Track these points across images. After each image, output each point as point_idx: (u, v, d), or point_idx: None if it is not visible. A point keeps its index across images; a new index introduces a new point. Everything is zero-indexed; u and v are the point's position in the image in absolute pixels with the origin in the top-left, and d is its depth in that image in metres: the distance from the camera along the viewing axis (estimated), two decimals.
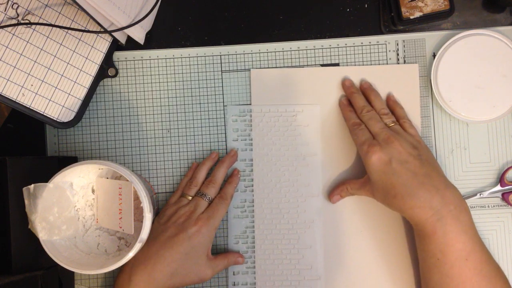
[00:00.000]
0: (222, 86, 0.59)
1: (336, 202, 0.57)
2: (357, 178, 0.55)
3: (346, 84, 0.57)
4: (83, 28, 0.55)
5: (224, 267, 0.55)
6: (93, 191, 0.54)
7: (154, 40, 0.60)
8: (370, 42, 0.59)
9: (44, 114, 0.54)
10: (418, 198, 0.48)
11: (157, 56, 0.59)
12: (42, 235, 0.48)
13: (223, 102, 0.59)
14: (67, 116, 0.56)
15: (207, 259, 0.53)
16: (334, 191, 0.56)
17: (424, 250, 0.49)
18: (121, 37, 0.57)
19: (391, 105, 0.57)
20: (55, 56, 0.55)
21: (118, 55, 0.59)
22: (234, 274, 0.58)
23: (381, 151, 0.50)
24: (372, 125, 0.53)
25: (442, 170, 0.52)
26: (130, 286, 0.49)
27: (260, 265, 0.57)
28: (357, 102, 0.56)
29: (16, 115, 0.59)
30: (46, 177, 0.49)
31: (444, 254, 0.47)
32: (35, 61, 0.54)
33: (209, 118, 0.59)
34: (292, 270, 0.57)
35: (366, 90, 0.57)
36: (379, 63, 0.59)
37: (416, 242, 0.51)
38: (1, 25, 0.52)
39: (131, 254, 0.48)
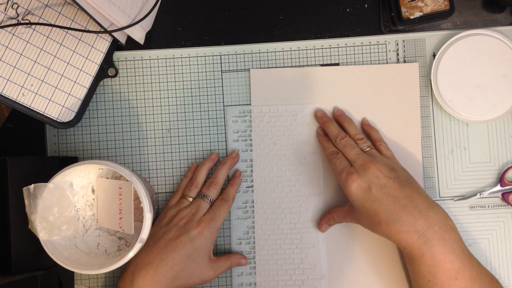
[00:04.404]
0: (222, 86, 0.59)
1: (325, 231, 0.57)
2: (342, 206, 0.55)
3: (318, 115, 0.58)
4: (83, 28, 0.55)
5: (226, 269, 0.55)
6: (93, 191, 0.54)
7: (154, 40, 0.60)
8: (370, 42, 0.59)
9: (44, 114, 0.54)
10: (402, 223, 0.48)
11: (157, 56, 0.59)
12: (42, 235, 0.48)
13: (223, 102, 0.59)
14: (67, 116, 0.56)
15: (209, 260, 0.53)
16: (322, 220, 0.57)
17: (414, 271, 0.49)
18: (121, 37, 0.57)
19: (366, 129, 0.57)
20: (55, 56, 0.55)
21: (118, 55, 0.59)
22: (238, 276, 0.58)
23: (359, 179, 0.50)
24: (348, 152, 0.53)
25: (423, 189, 0.51)
26: None
27: (263, 266, 0.57)
28: (330, 130, 0.56)
29: (16, 115, 0.59)
30: (46, 177, 0.49)
31: (433, 275, 0.48)
32: (35, 61, 0.54)
33: (209, 118, 0.59)
34: (295, 270, 0.57)
35: (339, 118, 0.57)
36: (379, 63, 0.59)
37: (406, 264, 0.51)
38: (1, 25, 0.52)
39: (131, 254, 0.48)
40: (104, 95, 0.59)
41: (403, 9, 0.56)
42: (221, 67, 0.59)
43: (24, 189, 0.48)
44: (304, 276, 0.57)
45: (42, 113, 0.54)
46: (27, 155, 0.59)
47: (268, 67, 0.59)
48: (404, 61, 0.59)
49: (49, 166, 0.53)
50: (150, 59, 0.59)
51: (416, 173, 0.57)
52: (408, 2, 0.56)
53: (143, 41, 0.58)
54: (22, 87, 0.53)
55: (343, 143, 0.54)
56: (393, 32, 0.59)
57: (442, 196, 0.58)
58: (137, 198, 0.52)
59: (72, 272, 0.57)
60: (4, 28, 0.52)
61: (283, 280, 0.57)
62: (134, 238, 0.53)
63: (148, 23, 0.59)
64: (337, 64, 0.59)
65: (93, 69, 0.56)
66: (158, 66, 0.59)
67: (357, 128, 0.56)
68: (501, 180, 0.57)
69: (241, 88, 0.59)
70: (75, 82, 0.56)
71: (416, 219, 0.47)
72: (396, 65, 0.58)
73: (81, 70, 0.56)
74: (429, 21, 0.57)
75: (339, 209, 0.55)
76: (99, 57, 0.56)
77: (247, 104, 0.59)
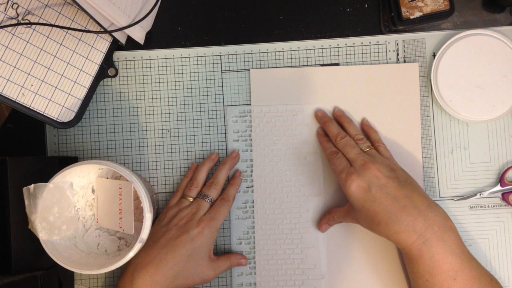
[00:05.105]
0: (222, 86, 0.59)
1: (325, 231, 0.57)
2: (341, 206, 0.55)
3: (318, 115, 0.58)
4: (83, 28, 0.55)
5: (226, 268, 0.55)
6: (93, 191, 0.54)
7: (154, 40, 0.60)
8: (370, 42, 0.59)
9: (44, 114, 0.54)
10: (401, 223, 0.48)
11: (157, 56, 0.59)
12: (42, 235, 0.48)
13: (223, 102, 0.59)
14: (67, 116, 0.56)
15: (209, 260, 0.53)
16: (322, 220, 0.57)
17: (413, 271, 0.49)
18: (121, 37, 0.57)
19: (366, 130, 0.57)
20: (55, 56, 0.55)
21: (118, 55, 0.59)
22: (238, 276, 0.58)
23: (359, 179, 0.50)
24: (348, 152, 0.53)
25: (422, 189, 0.51)
26: None
27: (263, 266, 0.57)
28: (330, 130, 0.56)
29: (16, 115, 0.59)
30: (46, 177, 0.49)
31: (432, 275, 0.48)
32: (35, 61, 0.54)
33: (209, 118, 0.59)
34: (295, 270, 0.57)
35: (339, 118, 0.57)
36: (379, 63, 0.59)
37: (405, 264, 0.51)
38: (1, 25, 0.52)
39: (131, 254, 0.48)
40: (104, 95, 0.59)
41: (403, 9, 0.56)
42: (221, 67, 0.59)
43: (24, 189, 0.48)
44: (304, 276, 0.57)
45: (42, 113, 0.54)
46: (27, 155, 0.59)
47: (268, 67, 0.59)
48: (404, 61, 0.59)
49: (49, 166, 0.53)
50: (150, 59, 0.59)
51: (416, 173, 0.57)
52: (408, 2, 0.56)
53: (143, 41, 0.58)
54: (22, 87, 0.53)
55: (343, 143, 0.54)
56: (393, 32, 0.59)
57: (442, 196, 0.58)
58: (137, 198, 0.52)
59: (72, 272, 0.57)
60: (4, 28, 0.52)
61: (283, 280, 0.57)
62: (134, 238, 0.53)
63: (148, 23, 0.59)
64: (337, 64, 0.59)
65: (93, 69, 0.56)
66: (158, 66, 0.59)
67: (357, 129, 0.56)
68: (501, 180, 0.57)
69: (241, 88, 0.59)
70: (75, 82, 0.56)
71: (415, 219, 0.48)
72: (396, 65, 0.58)
73: (81, 70, 0.56)
74: (429, 21, 0.57)
75: (339, 209, 0.55)
76: (99, 57, 0.56)
77: (247, 104, 0.59)
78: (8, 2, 0.52)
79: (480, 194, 0.57)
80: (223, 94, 0.59)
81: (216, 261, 0.54)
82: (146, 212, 0.49)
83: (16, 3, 0.53)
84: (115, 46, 0.58)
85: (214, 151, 0.59)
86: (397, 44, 0.59)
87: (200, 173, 0.56)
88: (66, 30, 0.55)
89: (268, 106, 0.58)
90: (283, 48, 0.59)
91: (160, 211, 0.57)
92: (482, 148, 0.58)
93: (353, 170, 0.51)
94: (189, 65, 0.59)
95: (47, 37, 0.54)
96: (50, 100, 0.55)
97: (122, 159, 0.59)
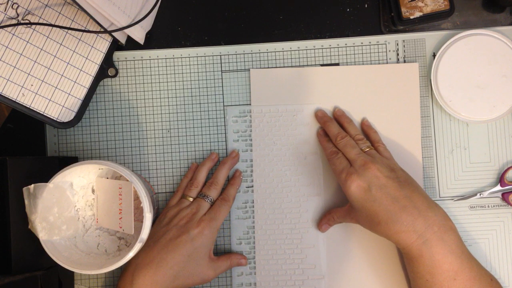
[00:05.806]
0: (222, 86, 0.59)
1: (325, 231, 0.57)
2: (341, 206, 0.55)
3: (318, 115, 0.58)
4: (83, 28, 0.55)
5: (226, 268, 0.55)
6: (93, 191, 0.54)
7: (154, 40, 0.60)
8: (370, 42, 0.59)
9: (44, 114, 0.54)
10: (401, 223, 0.48)
11: (157, 56, 0.59)
12: (42, 235, 0.48)
13: (223, 102, 0.59)
14: (67, 116, 0.56)
15: (209, 260, 0.53)
16: (322, 220, 0.57)
17: (413, 271, 0.49)
18: (121, 37, 0.57)
19: (366, 130, 0.57)
20: (55, 56, 0.55)
21: (118, 55, 0.59)
22: (238, 276, 0.58)
23: (359, 179, 0.50)
24: (348, 152, 0.53)
25: (422, 189, 0.51)
26: None
27: (263, 266, 0.57)
28: (331, 130, 0.56)
29: (16, 115, 0.59)
30: (46, 177, 0.49)
31: (432, 275, 0.48)
32: (35, 61, 0.54)
33: (209, 118, 0.59)
34: (295, 270, 0.57)
35: (339, 118, 0.57)
36: (379, 63, 0.59)
37: (405, 264, 0.51)
38: (1, 25, 0.52)
39: (131, 254, 0.48)
40: (104, 95, 0.59)
41: (403, 9, 0.56)
42: (221, 67, 0.59)
43: (24, 189, 0.48)
44: (304, 276, 0.57)
45: (42, 113, 0.54)
46: (27, 155, 0.59)
47: (268, 67, 0.59)
48: (404, 61, 0.59)
49: (49, 166, 0.53)
50: (150, 59, 0.59)
51: (416, 173, 0.57)
52: (408, 2, 0.56)
53: (143, 41, 0.58)
54: (22, 87, 0.53)
55: (343, 143, 0.54)
56: (393, 32, 0.59)
57: (442, 196, 0.58)
58: (137, 198, 0.52)
59: (72, 272, 0.57)
60: (4, 28, 0.52)
61: (283, 280, 0.57)
62: (134, 238, 0.53)
63: (148, 23, 0.59)
64: (337, 64, 0.59)
65: (93, 69, 0.56)
66: (158, 66, 0.59)
67: (357, 129, 0.57)
68: (501, 180, 0.57)
69: (241, 88, 0.59)
70: (75, 82, 0.56)
71: (415, 219, 0.48)
72: (396, 65, 0.58)
73: (81, 70, 0.56)
74: (429, 21, 0.57)
75: (339, 209, 0.55)
76: (99, 57, 0.56)
77: (247, 104, 0.59)
78: (8, 2, 0.52)
79: (480, 194, 0.57)
80: (223, 94, 0.59)
81: (216, 261, 0.54)
82: (146, 212, 0.49)
83: (16, 3, 0.53)
84: (115, 46, 0.58)
85: (214, 151, 0.59)
86: (397, 44, 0.59)
87: (200, 173, 0.56)
88: (66, 30, 0.55)
89: (268, 106, 0.58)
90: (283, 48, 0.59)
91: (160, 211, 0.57)
92: (482, 148, 0.58)
93: (353, 170, 0.51)
94: (189, 65, 0.59)
95: (47, 37, 0.54)
96: (50, 100, 0.55)
97: (122, 159, 0.59)
